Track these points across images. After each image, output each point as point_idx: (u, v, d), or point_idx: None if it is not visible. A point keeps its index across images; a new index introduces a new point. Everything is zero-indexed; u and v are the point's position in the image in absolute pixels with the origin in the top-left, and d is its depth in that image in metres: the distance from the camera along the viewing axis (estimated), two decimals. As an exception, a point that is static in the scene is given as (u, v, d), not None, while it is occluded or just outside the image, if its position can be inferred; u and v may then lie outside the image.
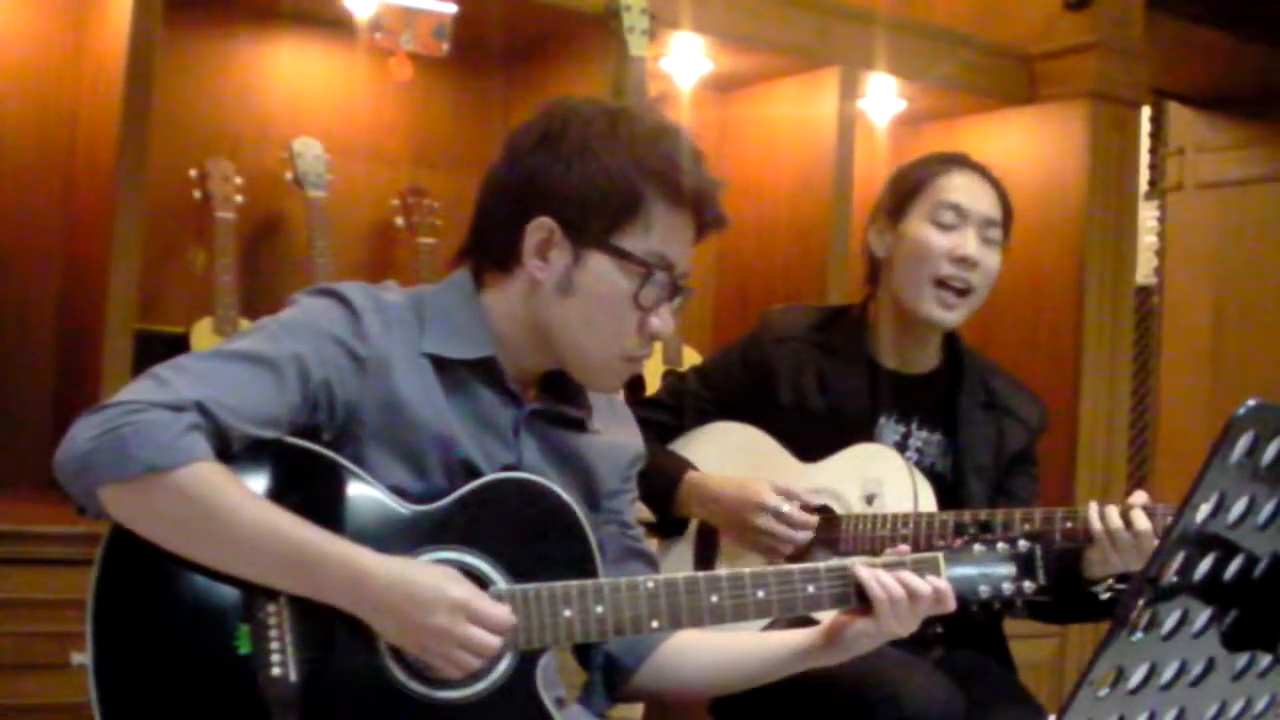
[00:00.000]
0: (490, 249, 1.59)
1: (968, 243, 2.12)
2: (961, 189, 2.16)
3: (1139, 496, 1.92)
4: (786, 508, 2.04)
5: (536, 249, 1.54)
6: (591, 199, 1.52)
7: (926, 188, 2.18)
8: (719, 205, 1.60)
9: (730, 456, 2.21)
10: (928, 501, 2.06)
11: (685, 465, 2.17)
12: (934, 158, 2.25)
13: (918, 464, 2.15)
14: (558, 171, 1.53)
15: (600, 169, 1.52)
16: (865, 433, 2.15)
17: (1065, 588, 1.90)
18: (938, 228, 2.14)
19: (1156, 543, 1.82)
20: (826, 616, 1.95)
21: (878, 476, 2.08)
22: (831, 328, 2.24)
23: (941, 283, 2.13)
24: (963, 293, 2.13)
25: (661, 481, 2.12)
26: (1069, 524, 1.92)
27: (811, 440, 2.15)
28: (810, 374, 2.19)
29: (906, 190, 2.20)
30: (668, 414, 2.27)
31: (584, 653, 1.69)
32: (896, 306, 2.18)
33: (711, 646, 1.70)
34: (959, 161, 2.21)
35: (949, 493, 2.13)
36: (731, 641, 1.70)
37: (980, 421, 2.19)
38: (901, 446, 2.17)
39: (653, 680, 1.70)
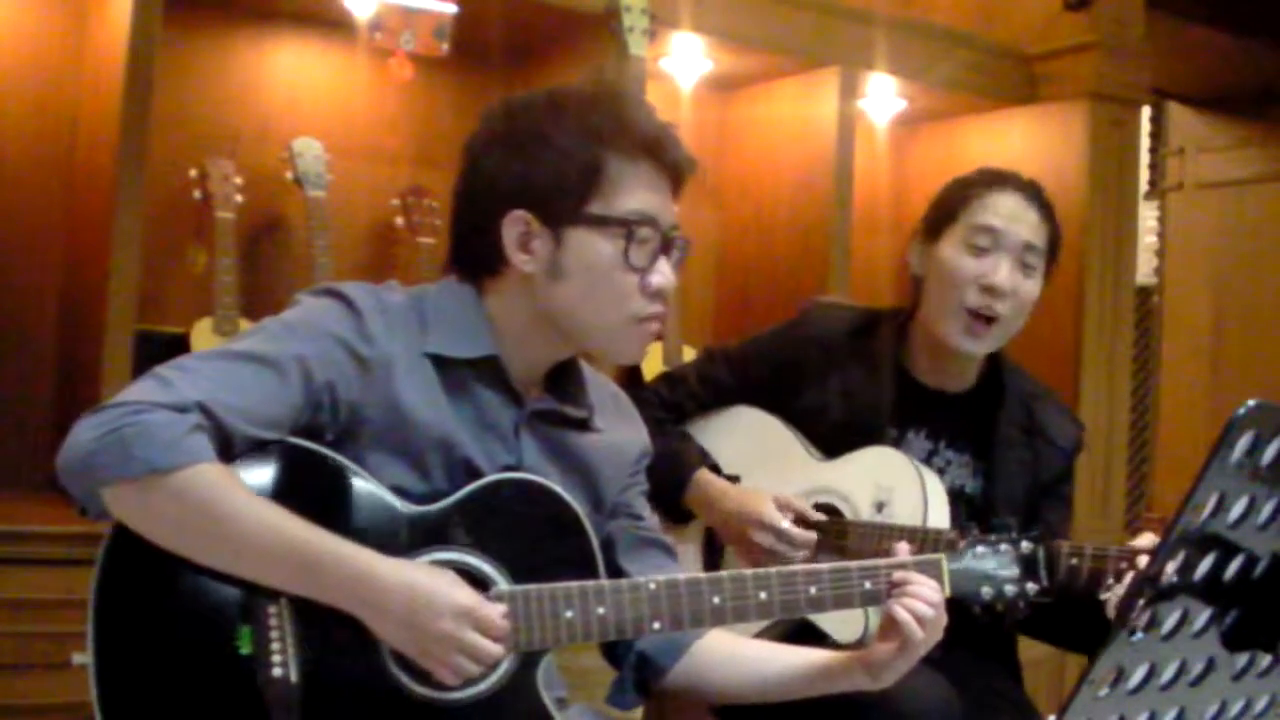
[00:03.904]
0: (475, 256, 1.60)
1: (999, 270, 2.03)
2: (1000, 212, 2.06)
3: (1148, 538, 1.85)
4: (785, 524, 2.01)
5: (518, 243, 1.55)
6: (555, 181, 1.53)
7: (965, 208, 2.08)
8: (678, 145, 1.58)
9: (745, 444, 2.19)
10: (939, 514, 2.01)
11: (698, 461, 2.15)
12: (980, 175, 2.13)
13: (944, 485, 2.10)
14: (516, 165, 1.55)
15: (554, 149, 1.53)
16: (888, 443, 2.10)
17: (1084, 617, 1.86)
18: (971, 252, 2.05)
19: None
20: (830, 619, 1.96)
21: (890, 484, 2.03)
22: (869, 335, 2.17)
23: (971, 311, 2.05)
24: (990, 320, 2.05)
25: (673, 475, 2.11)
26: (1074, 560, 1.84)
27: (830, 443, 2.12)
28: (837, 380, 2.14)
29: (946, 209, 2.11)
30: (689, 396, 2.24)
31: (612, 650, 1.70)
32: (930, 328, 2.11)
33: (748, 659, 1.69)
34: (1005, 181, 2.10)
35: (978, 515, 2.08)
36: (768, 656, 1.70)
37: (1018, 447, 2.12)
38: (925, 463, 2.11)
39: (685, 681, 1.70)
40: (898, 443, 2.12)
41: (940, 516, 2.02)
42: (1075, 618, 1.87)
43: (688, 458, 2.15)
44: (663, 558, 1.73)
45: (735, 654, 1.70)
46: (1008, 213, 2.06)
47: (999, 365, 2.18)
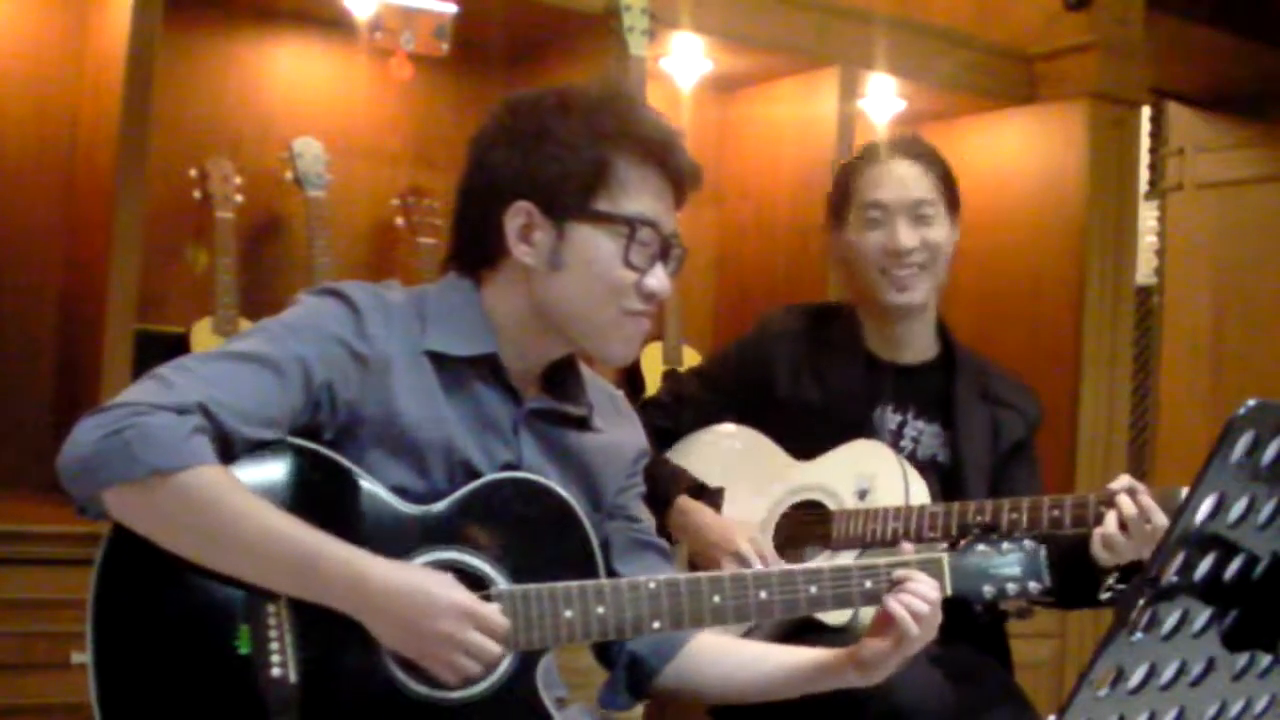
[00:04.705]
0: (476, 249, 1.61)
1: (897, 235, 2.16)
2: (880, 183, 2.19)
3: (1124, 480, 1.91)
4: (758, 565, 2.03)
5: (519, 234, 1.56)
6: (561, 175, 1.54)
7: (852, 192, 2.23)
8: (684, 153, 1.60)
9: (727, 460, 2.22)
10: (920, 495, 2.07)
11: (681, 486, 2.18)
12: (857, 156, 2.28)
13: (915, 454, 2.17)
14: (522, 159, 1.56)
15: (562, 145, 1.55)
16: (863, 422, 2.17)
17: (1073, 578, 1.91)
18: (869, 227, 2.19)
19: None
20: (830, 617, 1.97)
21: (870, 471, 2.09)
22: (827, 322, 2.28)
23: (885, 273, 2.17)
24: (912, 275, 2.16)
25: (655, 497, 2.13)
26: (1055, 512, 1.93)
27: (810, 432, 2.17)
28: (807, 367, 2.22)
29: (838, 200, 2.26)
30: (666, 416, 2.28)
31: (604, 651, 1.70)
32: (872, 302, 2.22)
33: (739, 658, 1.70)
34: (875, 154, 2.25)
35: (949, 483, 2.15)
36: (758, 654, 1.70)
37: (977, 411, 2.21)
38: (898, 435, 2.19)
39: (676, 682, 1.70)
40: (870, 419, 2.18)
41: (921, 497, 2.07)
42: (1066, 571, 1.90)
43: (671, 479, 2.19)
44: (657, 560, 1.73)
45: (727, 654, 1.70)
46: (889, 181, 2.19)
47: (949, 340, 2.28)
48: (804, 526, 2.10)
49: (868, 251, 2.18)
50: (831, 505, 2.11)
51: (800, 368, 2.22)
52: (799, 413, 2.19)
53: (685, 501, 2.15)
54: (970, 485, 2.15)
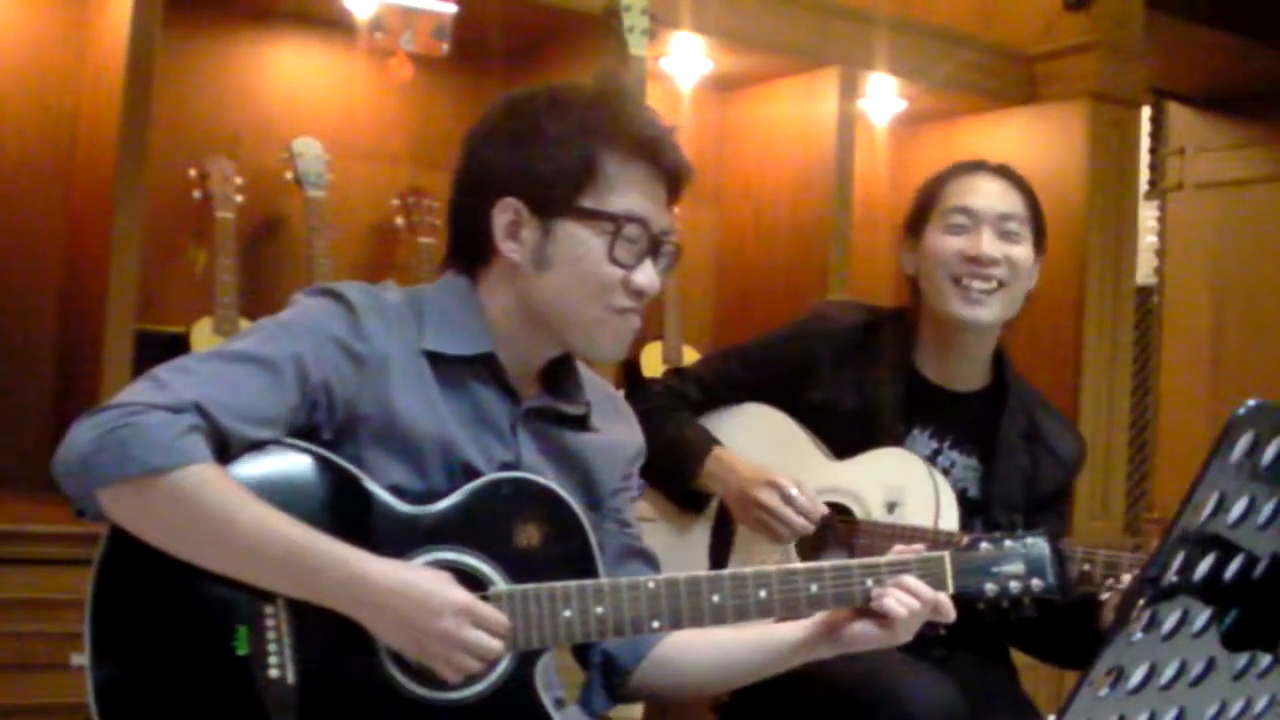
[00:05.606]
0: (468, 246, 1.61)
1: (981, 242, 2.09)
2: (970, 191, 2.14)
3: None
4: (795, 492, 2.02)
5: (506, 231, 1.56)
6: (549, 171, 1.54)
7: (938, 197, 2.16)
8: (674, 149, 1.59)
9: (758, 440, 2.19)
10: (950, 517, 2.02)
11: (715, 441, 2.15)
12: (947, 168, 2.22)
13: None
14: (512, 155, 1.56)
15: (551, 141, 1.54)
16: (893, 439, 2.13)
17: (1079, 632, 1.90)
18: (951, 232, 2.12)
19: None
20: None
21: (901, 484, 2.05)
22: (878, 331, 2.21)
23: (956, 280, 2.10)
24: (988, 292, 2.09)
25: (690, 451, 2.12)
26: (1086, 566, 1.89)
27: (838, 439, 2.14)
28: (849, 374, 2.16)
29: (921, 205, 2.19)
30: (700, 390, 2.25)
31: (582, 653, 1.69)
32: (935, 319, 2.15)
33: (709, 643, 1.69)
34: (970, 166, 2.19)
35: (975, 519, 2.10)
36: (728, 637, 1.69)
37: (1018, 453, 2.15)
38: (930, 463, 2.13)
39: (651, 679, 1.69)
40: (902, 440, 2.14)
41: (951, 518, 2.03)
42: (1068, 630, 1.89)
43: (704, 437, 2.16)
44: (644, 568, 1.72)
45: (697, 642, 1.69)
46: (978, 190, 2.14)
47: (1004, 371, 2.20)
48: (828, 530, 2.07)
49: (944, 256, 2.10)
50: (858, 512, 2.08)
51: (841, 373, 2.16)
52: (831, 417, 2.15)
53: (723, 451, 2.12)
54: (996, 526, 2.08)
